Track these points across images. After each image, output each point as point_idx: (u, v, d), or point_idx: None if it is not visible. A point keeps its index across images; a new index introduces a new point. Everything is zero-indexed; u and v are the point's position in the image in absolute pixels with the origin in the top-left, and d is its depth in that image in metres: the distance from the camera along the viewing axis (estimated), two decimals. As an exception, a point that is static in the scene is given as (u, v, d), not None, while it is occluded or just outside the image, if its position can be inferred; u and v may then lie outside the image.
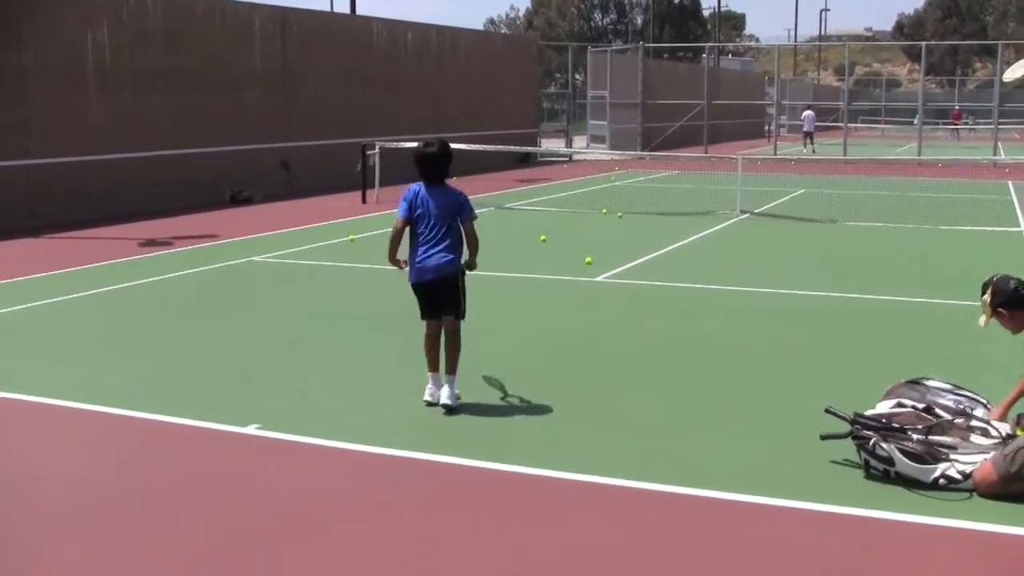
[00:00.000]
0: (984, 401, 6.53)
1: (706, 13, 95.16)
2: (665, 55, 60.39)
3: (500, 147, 24.83)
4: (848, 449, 6.18)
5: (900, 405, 6.37)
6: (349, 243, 15.57)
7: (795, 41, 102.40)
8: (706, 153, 36.13)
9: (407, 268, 7.41)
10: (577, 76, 49.07)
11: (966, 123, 58.93)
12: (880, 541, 5.22)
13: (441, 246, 7.30)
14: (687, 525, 5.43)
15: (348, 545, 5.17)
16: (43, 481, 6.06)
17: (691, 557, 5.05)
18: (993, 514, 5.49)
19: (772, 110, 48.02)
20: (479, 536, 5.28)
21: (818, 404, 6.65)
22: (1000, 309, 6.31)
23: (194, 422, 7.07)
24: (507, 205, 21.18)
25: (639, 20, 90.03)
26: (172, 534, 5.27)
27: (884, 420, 6.13)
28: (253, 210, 20.45)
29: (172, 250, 15.06)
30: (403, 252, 7.48)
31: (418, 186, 7.52)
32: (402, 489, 5.92)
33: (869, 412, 6.30)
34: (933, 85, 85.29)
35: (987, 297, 6.35)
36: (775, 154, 37.21)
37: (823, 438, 6.24)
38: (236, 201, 21.55)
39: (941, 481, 5.78)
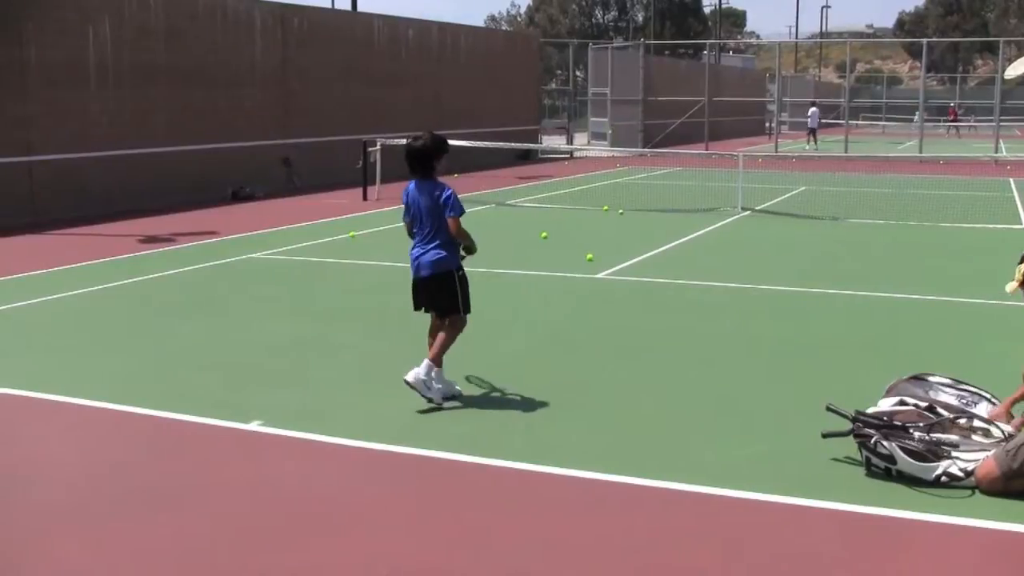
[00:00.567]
0: (988, 395, 6.53)
1: (707, 10, 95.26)
2: (666, 52, 60.32)
3: (501, 144, 24.82)
4: (849, 447, 6.19)
5: (902, 403, 6.37)
6: (350, 240, 15.58)
7: (796, 38, 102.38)
8: (707, 150, 36.13)
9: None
10: (578, 73, 49.09)
11: (966, 122, 58.90)
12: (882, 539, 5.22)
13: (433, 244, 7.35)
14: (687, 522, 5.43)
15: (352, 541, 5.17)
16: (45, 477, 6.07)
17: (691, 553, 5.05)
18: (995, 511, 5.49)
19: (773, 107, 48.03)
20: (479, 532, 5.28)
21: (819, 401, 6.65)
22: None
23: (196, 418, 7.07)
24: (508, 202, 21.18)
25: (640, 17, 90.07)
26: (175, 531, 5.28)
27: (885, 418, 6.13)
28: (254, 207, 20.46)
29: (173, 247, 15.07)
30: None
31: (412, 184, 7.56)
32: (405, 485, 5.93)
33: (871, 410, 6.31)
34: (934, 82, 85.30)
35: (1023, 266, 6.31)
36: (776, 151, 37.22)
37: (824, 436, 6.24)
38: (237, 198, 21.57)
39: (943, 479, 5.78)
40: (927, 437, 5.92)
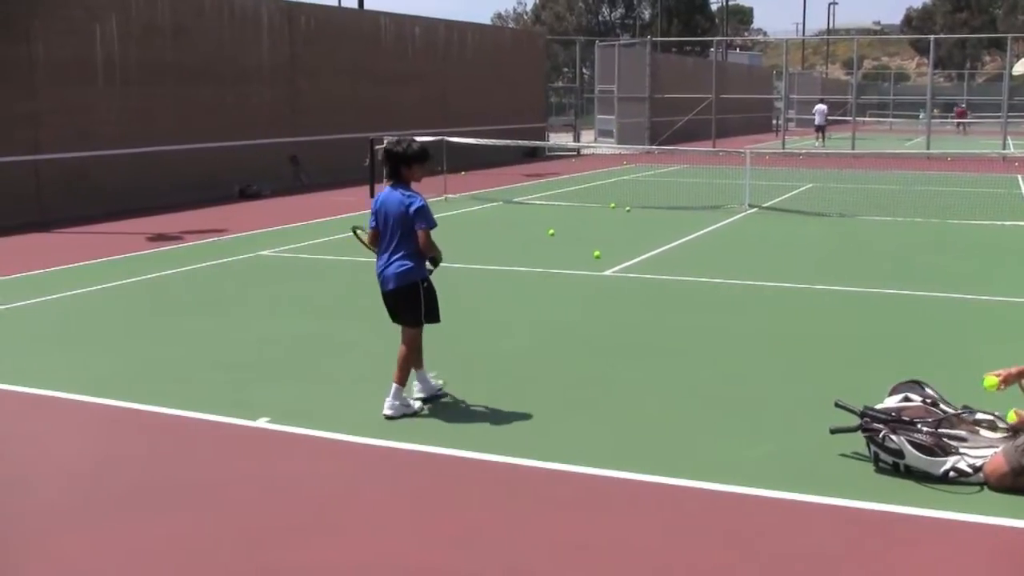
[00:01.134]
0: (987, 417, 6.36)
1: (714, 7, 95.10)
2: (673, 49, 60.31)
3: (508, 141, 24.81)
4: (858, 443, 6.19)
5: (907, 399, 6.37)
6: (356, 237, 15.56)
7: (803, 35, 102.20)
8: (714, 147, 36.08)
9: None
10: (585, 70, 49.05)
11: (974, 120, 58.78)
12: (890, 535, 5.22)
13: (397, 255, 7.03)
14: (695, 518, 5.43)
15: (356, 538, 5.18)
16: (51, 475, 6.08)
17: (699, 550, 5.05)
18: (1004, 507, 5.48)
19: (780, 104, 47.96)
20: (484, 530, 5.29)
21: (827, 398, 6.65)
22: None
23: (203, 415, 7.09)
24: (515, 199, 21.18)
25: (647, 14, 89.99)
26: (179, 528, 5.29)
27: (893, 413, 6.13)
28: (262, 204, 20.48)
29: (181, 244, 15.09)
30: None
31: (385, 191, 7.16)
32: (410, 482, 5.93)
33: (878, 406, 6.30)
34: (942, 79, 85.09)
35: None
36: (783, 148, 37.16)
37: (832, 432, 6.24)
38: (245, 196, 21.60)
39: (951, 474, 5.78)
40: (935, 432, 5.91)
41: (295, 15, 24.20)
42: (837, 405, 6.38)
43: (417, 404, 7.19)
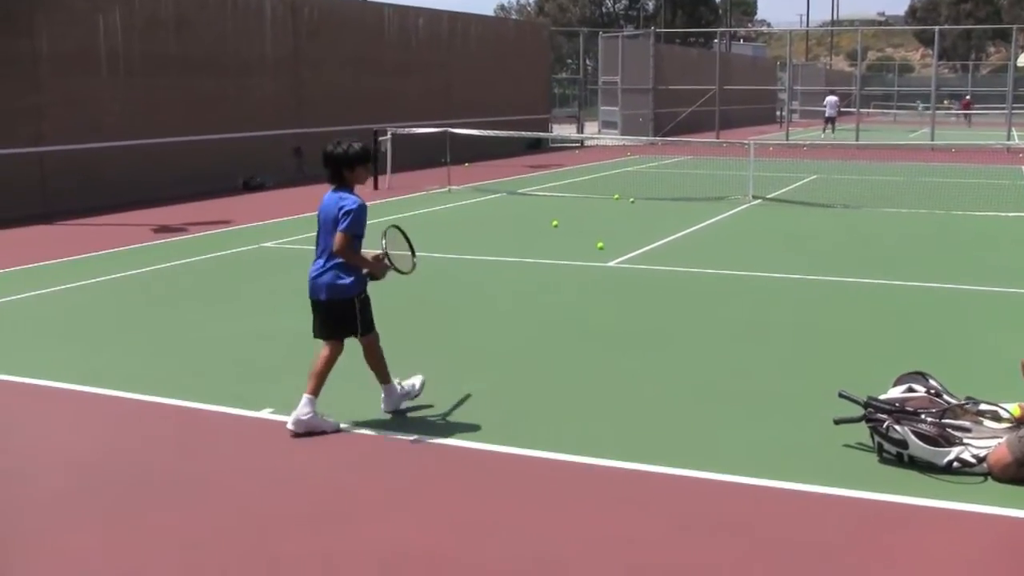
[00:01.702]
0: (991, 407, 6.34)
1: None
2: (677, 40, 60.13)
3: (511, 133, 24.79)
4: (861, 433, 6.19)
5: (911, 390, 6.37)
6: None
7: (807, 26, 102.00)
8: (718, 139, 36.04)
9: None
10: (588, 62, 48.98)
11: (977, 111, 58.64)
12: (894, 525, 5.22)
13: (332, 263, 6.54)
14: (700, 509, 5.44)
15: (363, 529, 5.19)
16: (55, 466, 6.09)
17: (704, 540, 5.06)
18: (1007, 497, 5.49)
19: (784, 95, 47.88)
20: (496, 521, 5.29)
21: (831, 389, 6.65)
22: None
23: (206, 406, 7.11)
24: (519, 191, 21.18)
25: (650, 5, 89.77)
26: (185, 518, 5.30)
27: (897, 404, 6.13)
28: (265, 196, 20.48)
29: (185, 236, 15.09)
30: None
31: (327, 194, 6.73)
32: (416, 474, 5.94)
33: (882, 396, 6.30)
34: (946, 70, 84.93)
35: None
36: (787, 139, 37.12)
37: (836, 422, 6.24)
38: (249, 187, 21.60)
39: (955, 464, 5.78)
40: (939, 422, 5.91)
41: (298, 6, 24.17)
42: (841, 395, 6.38)
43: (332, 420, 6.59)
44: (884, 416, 5.98)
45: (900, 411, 6.01)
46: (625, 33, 48.35)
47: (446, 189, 21.00)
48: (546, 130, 35.14)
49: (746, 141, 22.52)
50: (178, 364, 8.25)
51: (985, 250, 13.91)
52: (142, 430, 6.74)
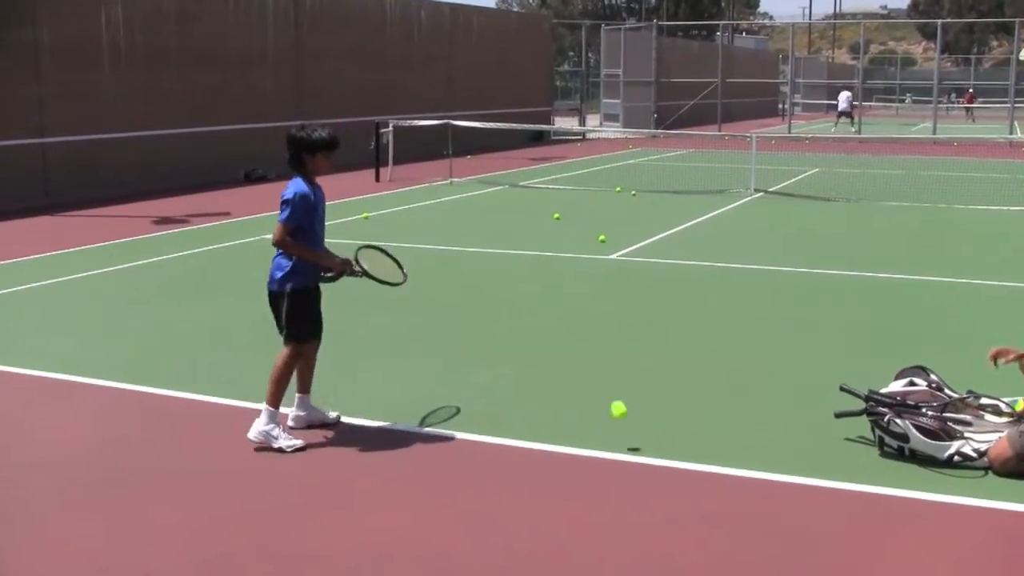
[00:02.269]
0: (992, 401, 6.33)
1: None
2: (679, 33, 60.14)
3: (513, 125, 24.80)
4: (862, 427, 6.19)
5: (912, 384, 6.38)
6: (364, 221, 15.59)
7: (810, 19, 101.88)
8: (720, 131, 36.00)
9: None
10: (590, 54, 48.92)
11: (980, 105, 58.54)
12: (895, 519, 5.23)
13: (277, 253, 6.29)
14: (699, 502, 5.44)
15: (359, 521, 5.20)
16: (56, 457, 6.10)
17: (703, 534, 5.06)
18: (1008, 492, 5.49)
19: (786, 88, 47.83)
20: (486, 513, 5.30)
21: (832, 382, 6.66)
22: None
23: (205, 398, 7.12)
24: (521, 183, 21.17)
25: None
26: (184, 510, 5.31)
27: (899, 397, 6.14)
28: (267, 188, 20.45)
29: (187, 228, 15.10)
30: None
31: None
32: (414, 466, 5.95)
33: (883, 390, 6.31)
34: (949, 64, 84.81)
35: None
36: (789, 132, 37.09)
37: (837, 416, 6.25)
38: (250, 179, 21.58)
39: (956, 458, 5.78)
40: (940, 416, 5.92)
41: (300, -1, 24.17)
42: (842, 389, 6.39)
43: (295, 442, 6.12)
44: (885, 410, 5.98)
45: (901, 405, 6.01)
46: (627, 26, 48.29)
47: (448, 181, 20.99)
48: (548, 123, 35.09)
49: (748, 134, 22.50)
50: (179, 355, 8.26)
51: (987, 244, 13.91)
52: (143, 421, 6.74)
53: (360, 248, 6.60)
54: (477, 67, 31.02)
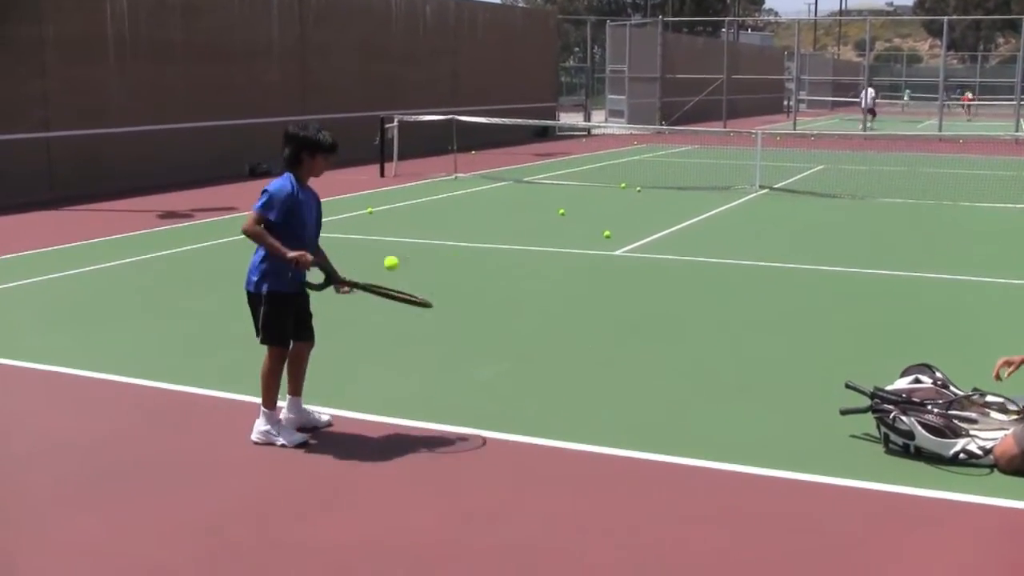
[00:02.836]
0: (998, 399, 6.24)
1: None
2: (684, 29, 60.05)
3: (518, 121, 24.78)
4: (868, 424, 6.17)
5: (918, 381, 6.36)
6: (368, 216, 15.58)
7: (815, 16, 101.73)
8: (725, 128, 35.96)
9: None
10: (595, 50, 48.87)
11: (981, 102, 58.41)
12: (900, 516, 5.21)
13: (258, 252, 6.19)
14: (704, 499, 5.43)
15: (362, 514, 5.19)
16: (59, 451, 6.10)
17: (709, 530, 5.05)
18: (1013, 490, 5.47)
19: (791, 85, 47.77)
20: (491, 506, 5.29)
21: (837, 379, 6.64)
22: None
23: (209, 392, 7.11)
24: (526, 179, 21.15)
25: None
26: (186, 504, 5.31)
27: (904, 395, 6.12)
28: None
29: (191, 222, 15.10)
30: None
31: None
32: (416, 460, 5.93)
33: (889, 387, 6.29)
34: (955, 60, 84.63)
35: None
36: (794, 129, 37.04)
37: (843, 413, 6.23)
38: (255, 174, 21.58)
39: (961, 456, 5.76)
40: (946, 413, 5.90)
41: (306, -7, 24.15)
42: (848, 386, 6.38)
43: (297, 437, 6.13)
44: (891, 407, 5.96)
45: (907, 402, 6.00)
46: (633, 22, 48.26)
47: (452, 176, 20.98)
48: (553, 118, 35.07)
49: (753, 131, 22.47)
50: (183, 349, 8.26)
51: (992, 241, 13.87)
52: (146, 415, 6.74)
53: (361, 285, 6.38)
54: (482, 63, 31.00)
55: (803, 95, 49.41)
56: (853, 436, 6.19)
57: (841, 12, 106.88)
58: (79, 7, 18.37)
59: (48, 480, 5.64)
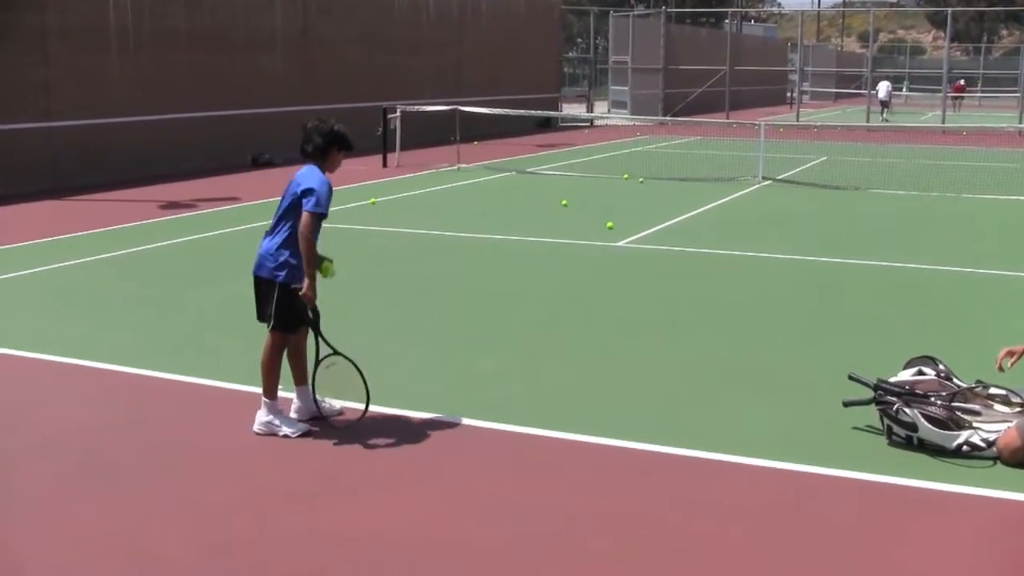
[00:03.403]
0: (1001, 391, 6.21)
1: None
2: (687, 20, 59.92)
3: (521, 111, 24.74)
4: (871, 416, 6.17)
5: (921, 373, 6.36)
6: (371, 206, 15.57)
7: (818, 7, 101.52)
8: (728, 119, 35.91)
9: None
10: (599, 41, 48.79)
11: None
12: (903, 508, 5.21)
13: (268, 237, 6.33)
14: (708, 490, 5.43)
15: (367, 505, 5.19)
16: (60, 441, 6.10)
17: (713, 521, 5.05)
18: (1016, 482, 5.47)
19: (794, 77, 47.68)
20: (497, 498, 5.29)
21: (840, 371, 6.63)
22: None
23: (212, 382, 7.11)
24: (528, 169, 21.13)
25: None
26: (190, 494, 5.31)
27: (907, 387, 6.11)
28: (274, 173, 20.42)
29: (194, 212, 15.08)
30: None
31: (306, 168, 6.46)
32: (422, 451, 5.93)
33: (892, 379, 6.29)
34: (958, 52, 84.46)
35: None
36: (797, 120, 36.98)
37: (846, 404, 6.23)
38: (257, 164, 21.58)
39: (964, 448, 5.76)
40: (949, 405, 5.90)
41: (308, -17, 24.10)
42: (851, 378, 6.37)
43: (299, 427, 6.19)
44: (894, 399, 5.96)
45: (910, 394, 5.99)
46: (636, 13, 48.17)
47: (455, 167, 20.96)
48: (556, 109, 35.03)
49: (756, 122, 22.44)
50: (183, 340, 8.26)
51: (996, 234, 13.86)
52: (146, 405, 6.74)
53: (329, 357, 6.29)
54: (485, 53, 30.95)
55: (806, 87, 49.29)
56: (856, 428, 6.19)
57: (845, 3, 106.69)
58: (82, -4, 18.34)
59: (49, 470, 5.64)
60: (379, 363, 7.64)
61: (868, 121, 35.96)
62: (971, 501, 5.29)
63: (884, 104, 43.01)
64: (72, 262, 11.29)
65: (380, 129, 21.60)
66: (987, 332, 8.54)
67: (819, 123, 37.09)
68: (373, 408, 6.52)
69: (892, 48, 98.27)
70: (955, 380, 6.28)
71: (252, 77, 22.36)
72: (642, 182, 18.94)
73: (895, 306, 9.57)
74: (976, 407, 5.96)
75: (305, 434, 6.10)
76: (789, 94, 56.25)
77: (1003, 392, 6.10)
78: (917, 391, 6.04)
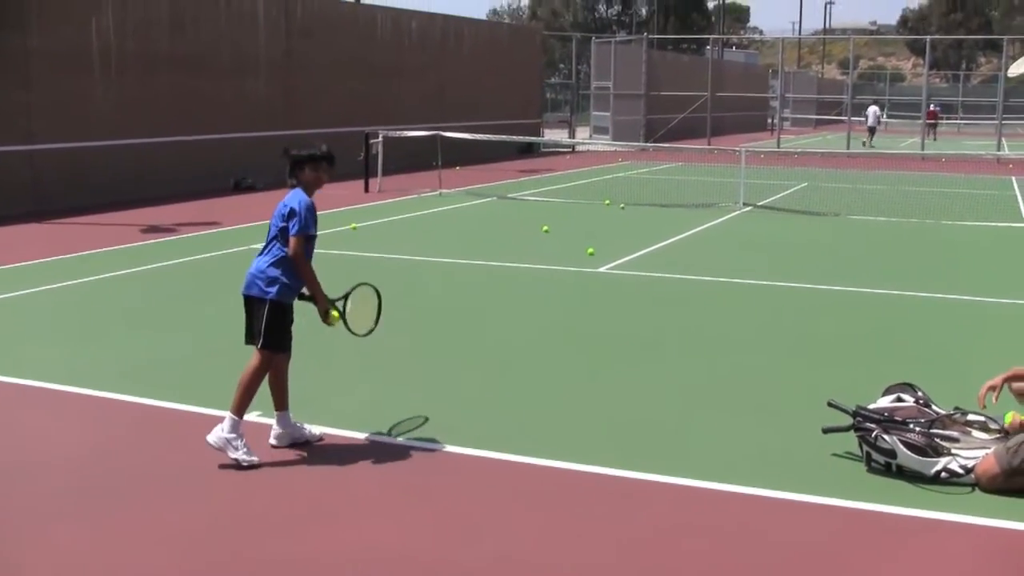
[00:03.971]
0: (979, 418, 6.25)
1: (711, 5, 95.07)
2: (669, 47, 60.29)
3: (503, 137, 24.81)
4: (850, 443, 6.19)
5: (900, 400, 6.39)
6: (352, 232, 15.57)
7: (799, 34, 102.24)
8: (709, 145, 36.08)
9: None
10: (580, 67, 49.02)
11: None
12: (881, 534, 5.23)
13: (259, 257, 6.32)
14: (685, 516, 5.43)
15: (346, 530, 5.18)
16: (44, 466, 6.06)
17: (690, 548, 5.05)
18: (994, 508, 5.49)
19: (775, 103, 47.99)
20: (477, 522, 5.28)
21: (820, 397, 6.66)
22: None
23: (194, 408, 7.08)
24: (510, 195, 21.17)
25: (643, 11, 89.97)
26: (170, 520, 5.28)
27: (886, 413, 6.14)
28: (256, 197, 20.42)
29: (175, 236, 15.06)
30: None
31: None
32: (401, 476, 5.92)
33: (871, 406, 6.31)
34: (937, 79, 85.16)
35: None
36: (778, 147, 37.21)
37: (825, 431, 6.25)
38: (239, 188, 21.56)
39: (943, 475, 5.79)
40: (927, 432, 5.92)
41: (291, 8, 24.15)
42: (830, 404, 6.39)
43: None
44: (873, 425, 5.98)
45: (889, 420, 6.02)
46: (618, 39, 48.43)
47: (437, 192, 20.99)
48: (537, 135, 35.14)
49: (737, 148, 22.55)
50: (166, 365, 8.23)
51: (975, 260, 13.95)
52: (129, 431, 6.71)
53: (362, 286, 6.75)
54: (467, 78, 31.06)
55: (787, 113, 49.62)
56: (835, 454, 6.21)
57: (825, 31, 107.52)
58: (65, 19, 18.34)
59: (34, 495, 5.60)
60: (356, 387, 7.64)
61: (848, 147, 36.18)
62: (949, 527, 5.31)
63: (871, 131, 43.26)
64: (53, 286, 11.24)
65: (362, 154, 21.62)
66: (966, 359, 8.59)
67: (800, 149, 37.29)
68: (350, 434, 6.52)
69: (872, 75, 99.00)
70: (934, 407, 6.32)
71: (234, 101, 22.38)
72: (623, 208, 19.00)
73: (874, 333, 9.62)
74: (954, 434, 5.99)
75: (255, 466, 6.00)
76: (770, 120, 56.57)
77: (981, 419, 6.13)
78: (896, 418, 6.07)
